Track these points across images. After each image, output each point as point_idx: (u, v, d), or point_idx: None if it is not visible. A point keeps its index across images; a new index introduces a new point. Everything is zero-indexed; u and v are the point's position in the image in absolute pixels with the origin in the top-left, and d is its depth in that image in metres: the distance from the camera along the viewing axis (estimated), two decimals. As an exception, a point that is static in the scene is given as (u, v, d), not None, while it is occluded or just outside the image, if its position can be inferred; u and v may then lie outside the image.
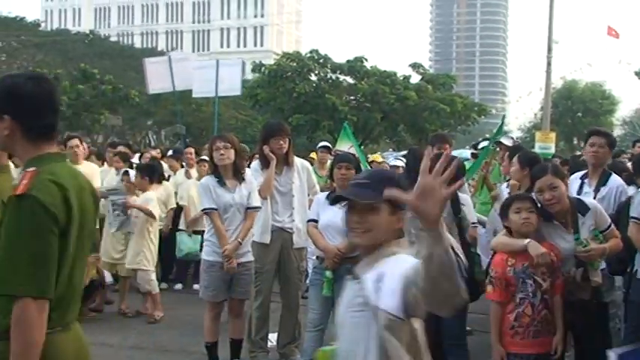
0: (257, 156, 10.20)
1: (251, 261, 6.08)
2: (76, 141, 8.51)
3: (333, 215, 5.74)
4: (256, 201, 6.05)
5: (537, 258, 4.25)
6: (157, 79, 13.46)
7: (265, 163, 6.25)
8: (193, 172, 10.03)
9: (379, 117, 35.66)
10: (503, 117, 9.37)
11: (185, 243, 9.47)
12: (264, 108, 38.64)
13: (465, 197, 5.44)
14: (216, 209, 5.87)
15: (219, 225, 5.86)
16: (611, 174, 5.80)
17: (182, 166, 10.47)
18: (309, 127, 35.40)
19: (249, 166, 6.78)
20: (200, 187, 6.08)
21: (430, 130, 35.57)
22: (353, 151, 8.53)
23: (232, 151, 5.92)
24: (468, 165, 7.69)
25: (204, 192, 5.93)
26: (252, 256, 6.10)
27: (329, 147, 9.91)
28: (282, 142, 6.19)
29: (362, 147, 38.67)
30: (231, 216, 5.91)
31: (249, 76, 40.90)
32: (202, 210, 6.03)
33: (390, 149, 36.85)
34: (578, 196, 4.85)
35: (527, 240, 4.32)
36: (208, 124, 41.08)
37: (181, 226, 9.66)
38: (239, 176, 6.00)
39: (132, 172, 8.18)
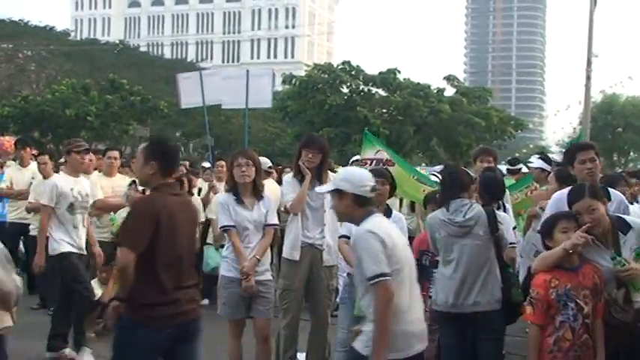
0: (287, 169, 10.23)
1: (270, 280, 6.06)
2: (115, 153, 8.81)
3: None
4: (274, 218, 6.06)
5: (569, 246, 4.22)
6: (189, 94, 13.55)
7: (299, 177, 6.25)
8: (223, 185, 10.05)
9: (412, 130, 35.69)
10: (581, 131, 9.09)
11: (212, 257, 9.50)
12: (293, 120, 38.91)
13: (503, 216, 5.38)
14: (234, 227, 5.88)
15: (237, 243, 5.86)
16: (607, 189, 5.69)
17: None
18: (339, 141, 35.51)
19: (279, 181, 6.76)
20: (219, 205, 6.08)
21: (465, 145, 35.60)
22: (381, 155, 8.43)
23: (253, 169, 5.93)
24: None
25: (222, 209, 5.94)
26: (271, 275, 6.09)
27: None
28: (310, 155, 6.18)
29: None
30: (249, 234, 5.92)
31: (280, 87, 41.13)
32: (220, 228, 6.02)
33: (423, 164, 36.74)
34: (618, 214, 4.74)
35: (563, 244, 4.26)
36: (237, 136, 41.30)
37: (209, 240, 9.69)
38: (258, 194, 6.01)
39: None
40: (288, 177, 6.55)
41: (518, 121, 39.89)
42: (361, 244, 3.89)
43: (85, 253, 7.09)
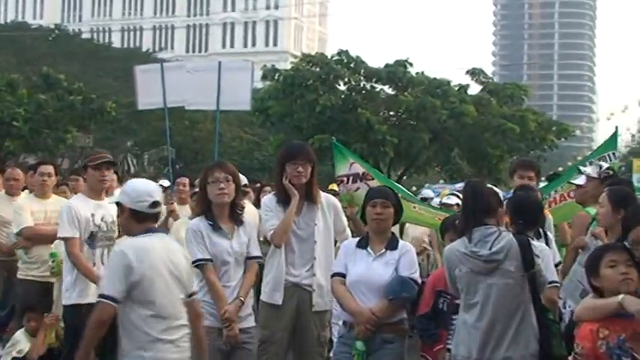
0: (267, 188, 10.21)
1: (254, 326, 6.10)
2: (49, 168, 8.59)
3: (366, 268, 5.74)
4: (257, 249, 6.10)
5: (638, 314, 4.18)
6: (148, 92, 13.51)
7: (283, 199, 6.28)
8: (186, 209, 10.06)
9: (427, 138, 35.73)
10: (616, 129, 9.00)
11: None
12: (277, 126, 38.94)
13: (541, 247, 5.40)
14: (211, 261, 5.89)
15: (215, 281, 5.86)
16: None
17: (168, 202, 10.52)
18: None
19: (257, 203, 6.77)
20: (189, 233, 6.05)
21: (494, 157, 35.76)
22: (355, 169, 8.50)
23: (233, 186, 5.97)
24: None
25: (194, 239, 5.93)
26: (253, 321, 6.11)
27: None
28: (301, 168, 6.21)
29: (403, 177, 38.78)
30: (229, 269, 5.93)
31: (259, 84, 41.22)
32: (193, 262, 5.94)
33: (441, 180, 36.83)
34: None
35: (621, 295, 4.26)
36: (205, 146, 41.42)
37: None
38: (237, 218, 6.04)
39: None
40: (268, 198, 6.56)
41: (561, 126, 39.97)
42: (111, 260, 4.81)
43: None
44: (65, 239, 6.77)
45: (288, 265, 6.26)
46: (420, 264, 10.41)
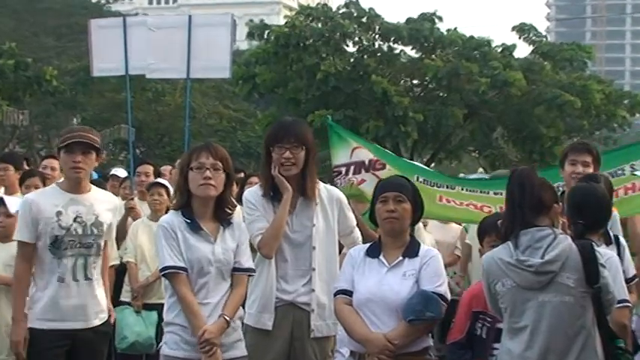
0: (254, 180, 10.22)
1: (245, 356, 6.11)
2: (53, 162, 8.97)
3: (377, 282, 5.76)
4: (248, 259, 6.11)
5: None
6: (106, 54, 13.45)
7: (271, 193, 6.32)
8: (144, 207, 10.08)
9: (461, 115, 35.69)
10: None
11: (130, 326, 9.54)
12: (266, 99, 38.92)
13: (608, 255, 5.42)
14: (185, 270, 5.88)
15: (189, 297, 5.86)
16: None
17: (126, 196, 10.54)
18: (342, 132, 35.57)
19: (239, 199, 6.78)
20: (160, 231, 6.05)
21: (547, 139, 35.63)
22: (361, 155, 8.45)
23: (223, 176, 5.99)
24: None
25: (166, 239, 5.93)
26: (244, 348, 6.12)
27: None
28: (289, 153, 6.25)
29: (430, 165, 38.71)
30: (209, 282, 5.94)
31: (243, 44, 41.26)
32: (161, 271, 6.02)
33: (480, 169, 36.71)
34: None
35: None
36: (173, 125, 41.34)
37: (124, 296, 9.76)
38: (223, 217, 6.05)
39: (10, 201, 8.19)
40: (251, 193, 6.57)
41: (635, 98, 39.84)
42: None
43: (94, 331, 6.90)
44: (19, 244, 6.81)
45: (279, 278, 6.29)
46: (451, 277, 10.45)
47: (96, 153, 6.78)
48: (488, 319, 5.77)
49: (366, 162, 8.38)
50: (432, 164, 39.19)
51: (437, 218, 9.23)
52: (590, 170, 7.19)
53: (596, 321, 5.12)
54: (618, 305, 5.36)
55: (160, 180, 10.02)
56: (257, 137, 41.44)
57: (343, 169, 8.38)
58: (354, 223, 6.73)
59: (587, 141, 8.50)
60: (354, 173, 8.21)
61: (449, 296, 5.79)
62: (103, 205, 6.89)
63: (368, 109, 35.46)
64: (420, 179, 8.27)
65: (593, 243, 5.30)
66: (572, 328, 5.06)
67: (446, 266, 11.02)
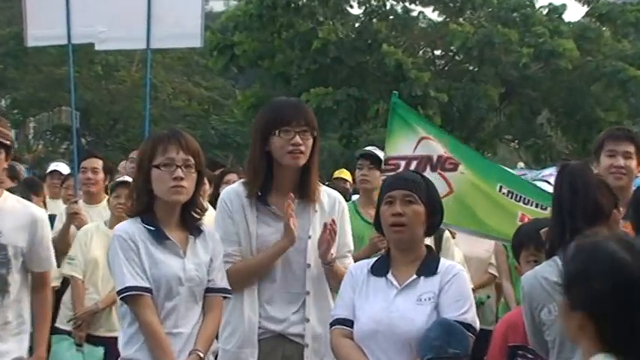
0: (233, 177, 10.22)
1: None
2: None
3: (385, 308, 5.73)
4: (223, 278, 6.12)
5: None
6: (43, 19, 13.48)
7: (258, 194, 6.34)
8: (99, 210, 10.05)
9: (496, 94, 35.68)
10: None
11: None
12: (248, 74, 38.89)
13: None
14: (149, 291, 5.85)
15: (156, 326, 5.83)
16: None
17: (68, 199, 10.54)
18: (344, 115, 35.44)
19: (214, 202, 6.78)
20: (116, 242, 6.00)
21: (606, 123, 35.49)
22: (427, 148, 8.35)
23: (194, 176, 5.98)
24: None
25: (124, 254, 5.89)
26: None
27: (378, 157, 9.77)
28: (299, 138, 6.25)
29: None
30: (180, 305, 5.94)
31: (218, 5, 41.27)
32: (120, 293, 5.97)
33: (520, 164, 36.77)
34: None
35: None
36: (129, 108, 41.35)
37: (62, 322, 9.80)
38: (192, 224, 6.06)
39: None
40: (230, 192, 6.59)
41: None
42: None
43: None
44: None
45: (264, 303, 6.32)
46: (481, 302, 10.46)
47: (5, 152, 6.80)
48: (530, 356, 5.78)
49: (435, 158, 8.29)
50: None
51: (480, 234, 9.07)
52: (634, 163, 7.24)
53: None
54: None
55: (126, 178, 9.89)
56: (236, 123, 41.54)
57: (402, 163, 8.29)
58: (350, 240, 6.74)
59: (626, 127, 8.46)
60: (418, 168, 8.02)
61: (478, 326, 5.72)
62: (10, 221, 6.86)
63: (377, 86, 35.34)
64: (504, 190, 8.23)
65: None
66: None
67: (477, 288, 11.13)
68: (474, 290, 11.42)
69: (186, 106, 44.80)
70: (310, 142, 6.30)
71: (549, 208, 8.01)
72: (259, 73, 37.45)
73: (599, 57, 35.81)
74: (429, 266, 5.73)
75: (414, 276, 5.71)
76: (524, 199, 8.16)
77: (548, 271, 5.17)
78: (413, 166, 8.17)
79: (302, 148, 6.24)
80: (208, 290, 6.02)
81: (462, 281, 5.78)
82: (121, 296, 5.90)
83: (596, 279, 3.39)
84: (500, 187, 8.19)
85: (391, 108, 8.78)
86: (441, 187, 7.71)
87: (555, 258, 5.15)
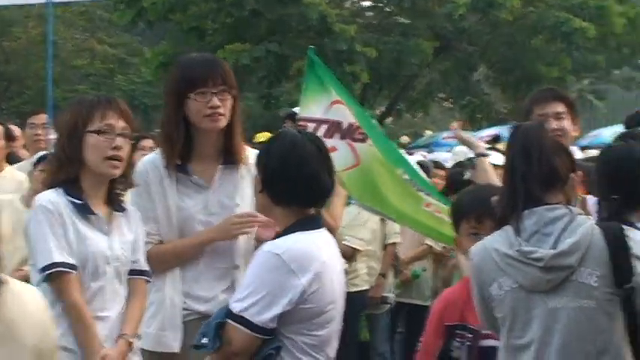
0: (147, 143, 10.26)
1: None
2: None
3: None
4: (145, 261, 6.18)
5: None
6: None
7: (177, 162, 6.34)
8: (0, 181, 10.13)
9: (430, 49, 35.75)
10: None
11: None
12: (157, 29, 38.67)
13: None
14: (74, 268, 5.85)
15: (83, 307, 5.85)
16: None
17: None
18: (263, 74, 35.40)
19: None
20: (39, 215, 5.96)
21: (549, 80, 35.60)
22: (338, 113, 8.38)
23: (128, 147, 6.00)
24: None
25: (50, 227, 5.87)
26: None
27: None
28: (216, 100, 6.25)
29: (387, 118, 38.63)
30: (106, 286, 5.98)
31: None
32: (44, 270, 5.90)
33: (454, 123, 36.81)
34: None
35: None
36: (26, 68, 40.95)
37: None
38: (116, 200, 6.10)
39: None
40: (146, 163, 6.58)
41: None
42: None
43: None
44: None
45: (188, 281, 6.35)
46: (417, 275, 10.65)
47: None
48: (469, 335, 5.79)
49: (345, 125, 8.32)
50: (389, 117, 39.29)
51: (426, 232, 9.05)
52: (566, 124, 7.21)
53: (628, 334, 5.13)
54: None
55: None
56: (144, 83, 41.25)
57: (311, 126, 8.31)
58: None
59: (554, 87, 8.49)
60: (324, 135, 8.02)
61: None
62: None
63: (299, 42, 35.06)
64: (406, 177, 8.32)
65: (627, 227, 5.22)
66: (594, 344, 5.07)
67: (412, 261, 11.26)
68: (408, 263, 11.67)
69: (89, 65, 44.40)
70: (230, 102, 6.31)
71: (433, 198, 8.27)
72: (169, 28, 37.10)
73: (541, 7, 35.83)
74: None
75: None
76: (419, 186, 8.29)
77: (499, 241, 5.13)
78: (322, 131, 8.19)
79: (221, 110, 6.25)
80: (132, 272, 6.07)
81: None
82: (47, 272, 5.80)
83: None
84: (403, 172, 8.28)
85: (307, 64, 8.80)
86: (348, 158, 7.99)
87: (506, 228, 5.12)
